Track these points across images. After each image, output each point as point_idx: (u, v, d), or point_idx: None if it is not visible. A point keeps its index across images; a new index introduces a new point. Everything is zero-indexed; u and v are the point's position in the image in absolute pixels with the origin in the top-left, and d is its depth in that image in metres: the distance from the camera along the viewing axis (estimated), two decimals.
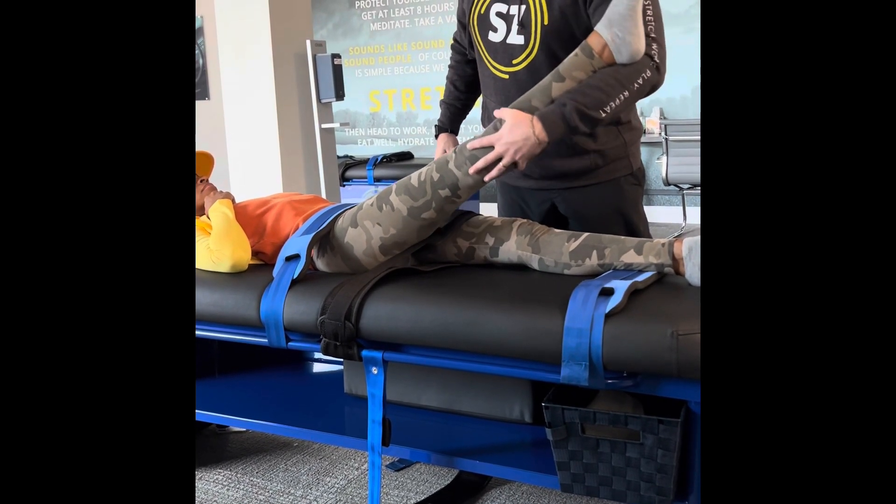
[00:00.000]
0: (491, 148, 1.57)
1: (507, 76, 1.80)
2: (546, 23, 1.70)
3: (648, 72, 1.59)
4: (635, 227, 1.88)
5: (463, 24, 1.95)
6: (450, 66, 2.09)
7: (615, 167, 1.84)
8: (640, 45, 1.56)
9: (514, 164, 1.59)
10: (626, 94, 1.57)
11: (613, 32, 1.55)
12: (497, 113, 1.61)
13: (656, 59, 1.61)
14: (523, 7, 1.72)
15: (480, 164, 1.58)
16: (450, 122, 2.10)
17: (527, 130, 1.55)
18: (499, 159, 1.57)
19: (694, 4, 5.61)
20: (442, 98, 2.13)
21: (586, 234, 1.63)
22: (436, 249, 1.75)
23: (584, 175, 1.82)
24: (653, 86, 1.62)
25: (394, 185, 1.67)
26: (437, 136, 2.09)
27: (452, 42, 2.06)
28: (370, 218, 1.67)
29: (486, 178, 1.60)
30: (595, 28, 1.59)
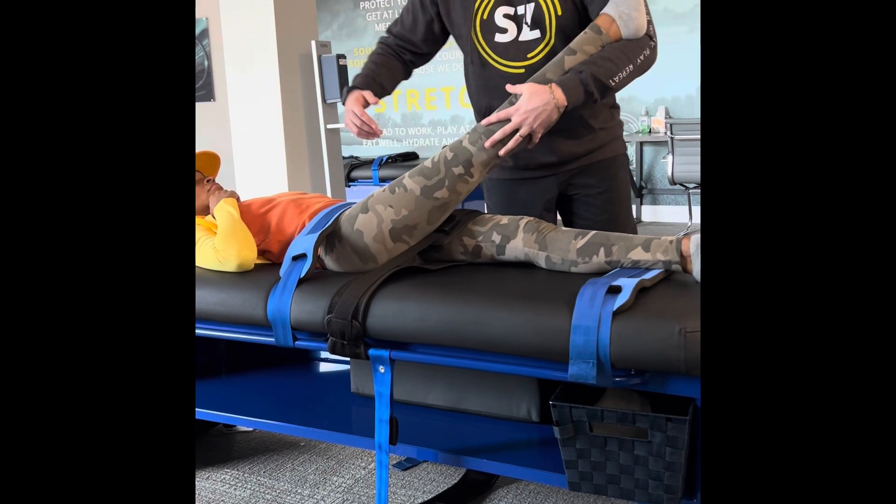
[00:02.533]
0: (507, 122, 1.65)
1: (522, 70, 1.85)
2: (560, 13, 1.78)
3: (648, 49, 1.73)
4: (629, 208, 2.00)
5: (429, 28, 1.94)
6: (375, 63, 1.96)
7: (614, 146, 1.95)
8: (643, 21, 1.71)
9: (528, 139, 1.67)
10: (631, 67, 1.70)
11: (620, 10, 1.69)
12: (512, 88, 1.68)
13: (654, 39, 1.75)
14: (531, 5, 1.78)
15: (498, 135, 1.65)
16: (366, 85, 1.93)
17: (546, 96, 1.63)
18: (516, 131, 1.65)
19: (699, 3, 5.60)
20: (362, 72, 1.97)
21: (593, 231, 1.63)
22: (442, 248, 1.75)
23: (591, 153, 1.91)
24: (650, 63, 1.75)
25: (407, 172, 1.71)
26: (346, 95, 1.91)
27: (389, 37, 1.99)
28: (382, 202, 1.69)
29: (502, 152, 1.67)
30: (603, 10, 1.72)
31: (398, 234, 1.69)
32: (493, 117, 1.67)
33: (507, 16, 1.81)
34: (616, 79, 1.68)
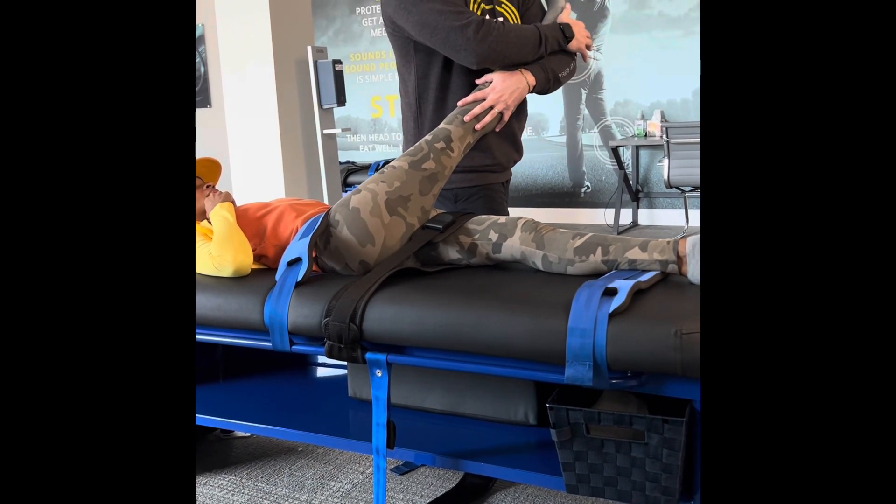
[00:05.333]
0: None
1: None
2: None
3: (574, 63, 2.02)
4: None
5: None
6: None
7: None
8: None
9: (500, 116, 1.88)
10: (568, 70, 1.99)
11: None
12: (482, 79, 1.88)
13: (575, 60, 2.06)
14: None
15: (477, 109, 1.85)
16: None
17: (518, 76, 1.88)
18: (491, 108, 1.86)
19: (694, 8, 5.63)
20: None
21: (591, 233, 1.64)
22: (438, 247, 1.75)
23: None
24: (574, 72, 2.03)
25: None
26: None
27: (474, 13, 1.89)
28: (374, 180, 1.76)
29: (478, 126, 1.85)
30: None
31: (394, 205, 1.70)
32: (470, 98, 1.86)
33: None
34: (564, 73, 1.97)
